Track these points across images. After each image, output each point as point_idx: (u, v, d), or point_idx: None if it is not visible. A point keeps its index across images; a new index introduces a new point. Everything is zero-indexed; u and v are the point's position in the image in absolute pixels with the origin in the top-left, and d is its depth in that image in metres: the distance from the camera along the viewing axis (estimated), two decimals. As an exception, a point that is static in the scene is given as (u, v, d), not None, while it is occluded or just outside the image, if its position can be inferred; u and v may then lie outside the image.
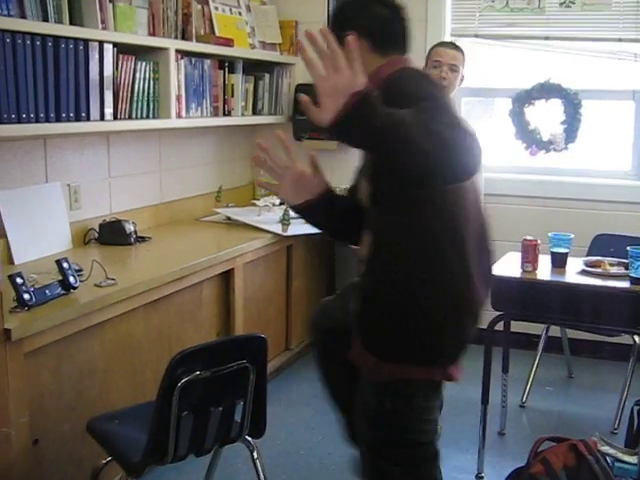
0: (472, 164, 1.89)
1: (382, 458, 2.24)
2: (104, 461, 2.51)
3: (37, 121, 2.97)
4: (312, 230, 4.31)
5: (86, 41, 3.17)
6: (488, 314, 3.22)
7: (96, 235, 3.69)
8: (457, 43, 3.81)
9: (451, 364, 2.16)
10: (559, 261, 3.26)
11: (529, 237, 3.22)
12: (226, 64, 4.39)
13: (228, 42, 4.28)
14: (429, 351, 2.11)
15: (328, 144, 4.91)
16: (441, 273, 2.05)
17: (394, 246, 2.07)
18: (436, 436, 2.32)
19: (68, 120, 3.13)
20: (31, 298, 2.55)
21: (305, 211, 2.35)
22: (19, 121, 2.89)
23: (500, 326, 3.38)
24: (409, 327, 2.07)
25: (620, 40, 4.54)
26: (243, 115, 4.61)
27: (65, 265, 2.76)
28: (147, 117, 3.65)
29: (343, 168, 5.05)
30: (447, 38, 4.81)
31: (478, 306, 2.16)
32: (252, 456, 2.61)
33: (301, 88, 5.01)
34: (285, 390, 4.21)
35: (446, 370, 2.16)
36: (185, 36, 3.97)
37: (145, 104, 3.63)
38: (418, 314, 2.06)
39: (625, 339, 4.06)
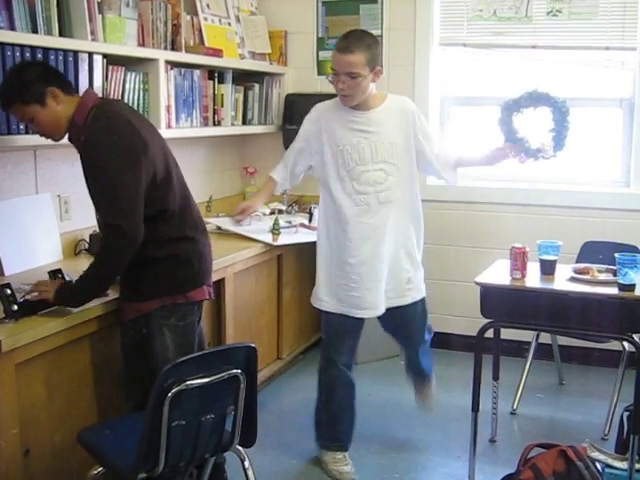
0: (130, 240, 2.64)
1: None
2: (95, 472, 2.51)
3: (27, 132, 2.98)
4: (302, 239, 4.36)
5: (75, 52, 3.18)
6: (478, 321, 3.25)
7: (87, 246, 3.69)
8: (359, 38, 3.17)
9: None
10: (548, 268, 3.27)
11: (518, 244, 3.23)
12: (216, 74, 4.40)
13: (217, 52, 4.30)
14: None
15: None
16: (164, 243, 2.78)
17: None
18: None
19: (58, 131, 3.13)
20: (19, 309, 2.55)
21: None
22: (9, 132, 2.90)
23: (490, 333, 3.39)
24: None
25: (607, 48, 4.57)
26: (233, 125, 4.62)
27: (58, 276, 2.77)
28: (137, 128, 3.65)
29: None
30: (435, 47, 4.85)
31: (195, 249, 2.87)
32: (243, 465, 2.61)
33: (291, 97, 5.04)
34: (276, 399, 4.21)
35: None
36: (174, 47, 3.98)
37: (135, 115, 3.63)
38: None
39: (614, 345, 4.08)
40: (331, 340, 3.47)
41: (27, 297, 2.66)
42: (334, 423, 3.51)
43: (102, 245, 2.73)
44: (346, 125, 3.30)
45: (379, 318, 3.51)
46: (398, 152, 3.32)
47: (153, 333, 2.79)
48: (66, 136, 2.77)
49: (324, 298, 3.44)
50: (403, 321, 3.57)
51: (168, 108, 3.88)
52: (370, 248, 3.33)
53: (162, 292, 2.79)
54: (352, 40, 3.16)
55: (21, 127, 2.94)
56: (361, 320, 3.44)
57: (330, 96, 4.90)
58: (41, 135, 2.78)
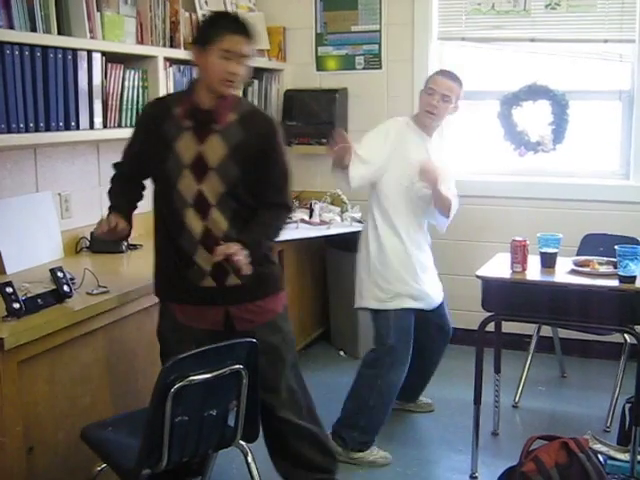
0: None
1: None
2: (99, 468, 2.52)
3: (27, 131, 2.98)
4: (303, 235, 4.36)
5: (74, 50, 3.18)
6: (479, 315, 3.26)
7: (87, 243, 3.70)
8: (457, 75, 3.60)
9: None
10: (548, 261, 3.27)
11: (518, 238, 3.23)
12: (215, 71, 4.40)
13: (216, 49, 4.29)
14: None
15: (318, 149, 4.94)
16: None
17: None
18: None
19: (58, 129, 3.14)
20: (21, 307, 2.56)
21: None
22: (9, 131, 2.90)
23: (491, 327, 3.40)
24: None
25: (606, 41, 4.57)
26: (232, 121, 4.61)
27: (60, 274, 2.77)
28: (137, 125, 3.66)
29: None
30: (434, 42, 4.85)
31: None
32: (246, 460, 2.63)
33: (290, 93, 5.04)
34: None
35: None
36: (173, 44, 3.98)
37: (134, 112, 3.63)
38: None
39: (616, 337, 4.09)
40: (401, 341, 3.52)
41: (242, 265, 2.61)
42: (373, 428, 3.52)
43: (280, 216, 2.90)
44: (417, 143, 3.55)
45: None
46: None
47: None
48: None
49: (392, 297, 3.53)
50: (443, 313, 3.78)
51: (167, 105, 3.88)
52: (422, 253, 3.62)
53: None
54: (454, 73, 3.61)
55: (21, 125, 2.94)
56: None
57: (329, 92, 4.94)
58: (234, 80, 2.65)
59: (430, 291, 3.60)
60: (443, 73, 3.58)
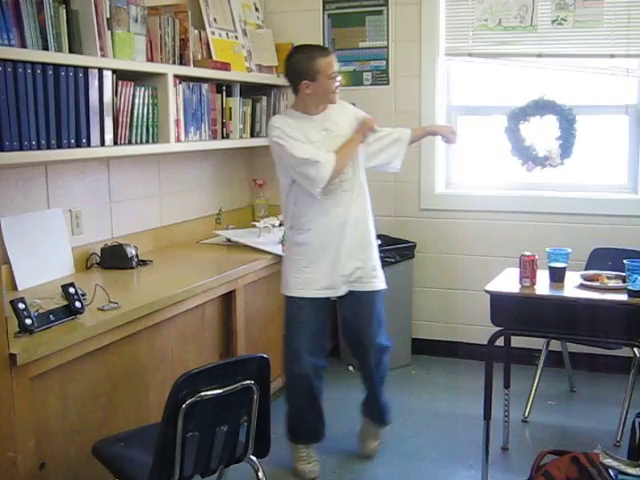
0: None
1: None
2: (110, 484, 2.53)
3: (38, 148, 3.00)
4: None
5: (85, 68, 3.21)
6: (488, 330, 3.26)
7: (98, 259, 3.73)
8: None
9: None
10: (557, 276, 3.28)
11: (527, 252, 3.24)
12: (224, 88, 4.44)
13: (225, 66, 4.33)
14: None
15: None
16: None
17: None
18: None
19: (69, 146, 3.16)
20: (33, 323, 2.57)
21: None
22: (21, 148, 2.92)
23: (500, 341, 3.40)
24: None
25: (612, 56, 4.59)
26: (241, 138, 4.64)
27: (71, 290, 2.79)
28: (147, 142, 3.69)
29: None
30: (441, 58, 4.88)
31: None
32: (257, 476, 2.63)
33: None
34: (288, 410, 4.22)
35: None
36: (183, 61, 4.02)
37: (144, 129, 3.67)
38: None
39: (625, 352, 4.08)
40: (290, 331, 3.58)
41: None
42: (294, 422, 3.64)
43: None
44: (314, 126, 3.40)
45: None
46: None
47: None
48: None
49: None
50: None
51: (177, 122, 3.91)
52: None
53: None
54: (328, 48, 3.58)
55: (33, 143, 2.97)
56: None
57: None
58: None
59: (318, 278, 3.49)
60: (328, 53, 3.38)
